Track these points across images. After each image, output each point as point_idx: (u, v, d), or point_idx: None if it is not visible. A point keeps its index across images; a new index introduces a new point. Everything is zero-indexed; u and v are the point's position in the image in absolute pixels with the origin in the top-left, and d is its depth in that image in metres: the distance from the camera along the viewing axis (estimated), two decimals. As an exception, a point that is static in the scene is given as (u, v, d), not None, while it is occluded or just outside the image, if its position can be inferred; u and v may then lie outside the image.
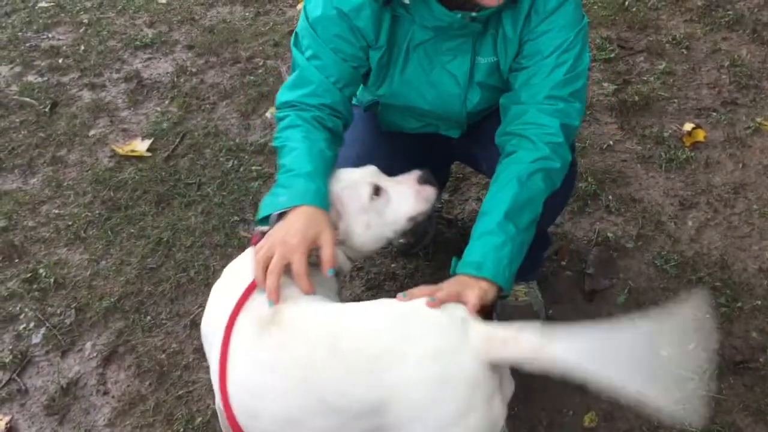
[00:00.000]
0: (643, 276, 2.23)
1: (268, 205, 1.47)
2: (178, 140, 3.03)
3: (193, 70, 3.54)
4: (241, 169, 2.85)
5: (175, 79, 3.46)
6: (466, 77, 1.67)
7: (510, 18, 1.57)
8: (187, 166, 2.89)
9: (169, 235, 2.54)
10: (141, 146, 3.00)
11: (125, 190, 2.77)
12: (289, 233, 1.37)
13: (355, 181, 1.55)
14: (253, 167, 2.84)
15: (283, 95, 1.64)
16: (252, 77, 3.43)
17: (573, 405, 1.89)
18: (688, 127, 2.77)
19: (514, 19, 1.57)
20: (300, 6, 4.04)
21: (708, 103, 2.93)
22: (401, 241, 2.05)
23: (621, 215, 2.45)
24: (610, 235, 2.37)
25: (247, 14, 4.02)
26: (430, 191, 1.58)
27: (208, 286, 2.31)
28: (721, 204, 2.45)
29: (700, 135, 2.74)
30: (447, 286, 1.37)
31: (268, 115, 3.16)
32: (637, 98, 2.96)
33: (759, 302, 2.09)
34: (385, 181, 1.57)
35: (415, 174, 1.59)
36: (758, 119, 2.79)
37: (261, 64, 3.54)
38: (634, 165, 2.66)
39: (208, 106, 3.27)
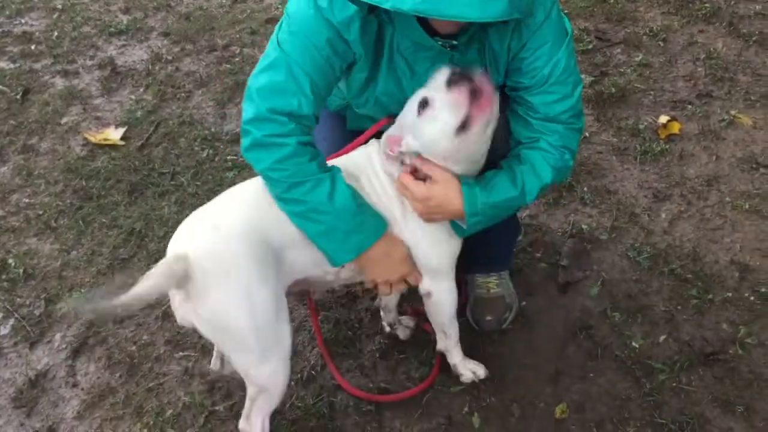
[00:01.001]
0: (617, 268, 2.24)
1: (343, 251, 1.60)
2: (152, 129, 2.99)
3: (169, 57, 3.49)
4: (216, 158, 2.82)
5: (150, 67, 3.42)
6: None
7: (496, 33, 1.56)
8: (161, 155, 2.85)
9: (142, 225, 2.51)
10: (114, 135, 2.96)
11: (98, 179, 2.73)
12: (395, 262, 1.66)
13: (416, 93, 1.56)
14: (229, 157, 2.82)
15: (274, 101, 1.51)
16: (228, 65, 3.39)
17: (545, 396, 1.90)
18: (663, 119, 2.78)
19: (501, 35, 1.56)
20: (278, -6, 4.00)
21: (683, 95, 2.94)
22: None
23: (596, 207, 2.46)
24: (584, 226, 2.38)
25: (224, 1, 3.98)
26: (462, 93, 1.46)
27: (181, 277, 2.29)
28: (694, 196, 2.46)
29: (675, 127, 2.75)
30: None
31: (244, 104, 3.12)
32: (613, 90, 2.97)
33: (730, 294, 2.11)
34: (434, 90, 1.51)
35: (443, 74, 1.50)
36: (733, 112, 2.81)
37: (238, 52, 3.51)
38: (610, 157, 2.67)
39: (183, 94, 3.23)
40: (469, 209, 1.56)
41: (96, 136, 2.96)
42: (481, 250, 1.91)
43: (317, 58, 1.52)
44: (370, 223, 1.60)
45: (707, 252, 2.25)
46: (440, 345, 1.92)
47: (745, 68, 3.05)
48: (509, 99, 1.69)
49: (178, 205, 2.59)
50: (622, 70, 3.12)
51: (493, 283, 2.08)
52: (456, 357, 1.91)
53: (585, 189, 2.52)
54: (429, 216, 1.62)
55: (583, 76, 3.06)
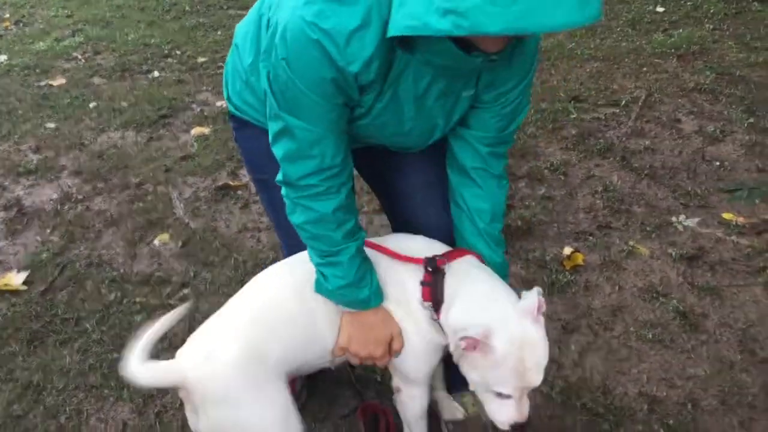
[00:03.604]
0: (531, 403, 2.23)
1: (332, 295, 1.66)
2: (57, 272, 2.90)
3: (79, 196, 3.44)
4: (125, 301, 2.73)
5: (59, 207, 3.35)
6: (449, 115, 1.62)
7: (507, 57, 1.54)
8: (66, 299, 2.75)
9: (40, 377, 2.37)
10: (16, 279, 2.84)
11: (-6, 329, 2.59)
12: (370, 341, 1.67)
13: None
14: (137, 299, 2.74)
15: (297, 168, 1.54)
16: (141, 204, 3.37)
17: None
18: (567, 251, 2.90)
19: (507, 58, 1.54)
20: (195, 131, 4.07)
21: (585, 227, 3.09)
22: None
23: (508, 340, 2.48)
24: (498, 361, 2.39)
25: (139, 139, 4.00)
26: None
27: (80, 434, 2.16)
28: (600, 327, 2.53)
29: (579, 258, 2.86)
30: None
31: (156, 242, 3.08)
32: (520, 223, 3.09)
33: (640, 427, 2.13)
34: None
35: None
36: (631, 242, 2.95)
37: (151, 190, 3.50)
38: (520, 289, 2.72)
39: (92, 234, 3.16)
40: None
41: (-5, 282, 2.84)
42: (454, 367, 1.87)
43: (324, 100, 1.43)
44: (364, 296, 1.65)
45: (616, 384, 2.29)
46: None
47: (639, 200, 3.24)
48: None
49: (81, 353, 2.47)
50: (527, 203, 3.26)
51: (470, 403, 2.06)
52: None
53: (497, 323, 2.55)
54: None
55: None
